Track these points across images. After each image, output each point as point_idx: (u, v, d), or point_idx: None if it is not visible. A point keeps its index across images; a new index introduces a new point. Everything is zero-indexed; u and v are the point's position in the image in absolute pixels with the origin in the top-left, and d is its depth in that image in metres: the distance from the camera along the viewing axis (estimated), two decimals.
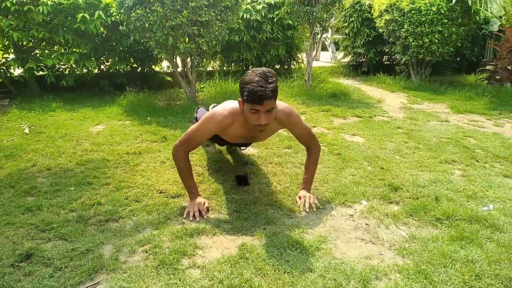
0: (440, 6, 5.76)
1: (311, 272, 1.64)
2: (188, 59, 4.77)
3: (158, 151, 3.09)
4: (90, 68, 5.29)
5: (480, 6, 5.69)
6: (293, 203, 2.29)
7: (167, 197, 2.32)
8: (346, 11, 7.29)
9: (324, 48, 9.21)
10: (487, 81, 6.18)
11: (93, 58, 5.14)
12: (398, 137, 3.60)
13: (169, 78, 6.21)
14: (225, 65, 6.50)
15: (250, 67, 6.60)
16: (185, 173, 2.21)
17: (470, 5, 5.82)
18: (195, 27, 4.26)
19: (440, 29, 5.87)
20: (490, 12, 5.65)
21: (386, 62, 7.83)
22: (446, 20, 5.84)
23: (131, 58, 5.67)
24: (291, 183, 2.56)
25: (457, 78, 7.21)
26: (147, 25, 4.14)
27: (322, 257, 1.76)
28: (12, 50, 5.06)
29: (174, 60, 4.78)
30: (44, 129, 3.59)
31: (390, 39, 6.52)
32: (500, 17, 6.23)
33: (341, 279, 1.59)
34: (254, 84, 1.84)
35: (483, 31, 8.04)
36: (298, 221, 2.10)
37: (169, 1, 4.02)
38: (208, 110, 3.19)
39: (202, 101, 4.84)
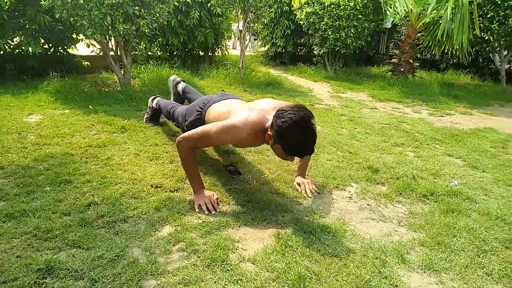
0: (356, 2, 6.28)
1: (354, 253, 1.72)
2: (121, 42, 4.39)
3: (124, 143, 2.82)
4: None
5: (390, 6, 6.38)
6: (293, 190, 2.34)
7: (166, 192, 2.16)
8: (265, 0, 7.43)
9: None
10: (391, 72, 6.98)
11: None
12: (347, 124, 3.88)
13: (86, 63, 5.61)
14: (150, 50, 6.11)
15: (174, 53, 6.34)
16: (191, 164, 2.08)
17: (380, 3, 6.49)
18: (137, 7, 3.94)
19: (356, 24, 6.43)
20: (395, 11, 6.36)
21: (301, 53, 8.24)
22: (360, 16, 6.41)
23: (41, 39, 4.96)
24: (280, 169, 2.60)
25: (363, 69, 7.96)
26: (81, 2, 3.68)
27: (352, 238, 1.86)
28: None
29: (107, 43, 4.34)
30: None
31: (310, 31, 6.88)
32: (401, 16, 7.05)
33: (383, 257, 1.71)
34: (299, 143, 1.84)
35: (379, 27, 9.00)
36: (308, 206, 2.16)
37: None
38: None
39: (138, 87, 4.50)
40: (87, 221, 1.80)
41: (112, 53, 4.54)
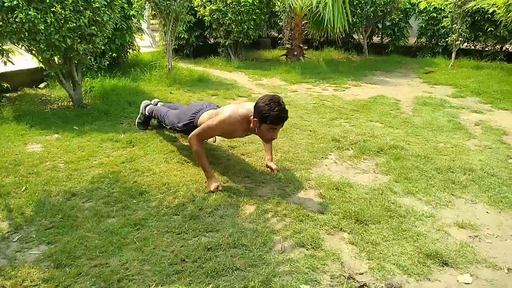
0: None
1: (369, 194, 2.76)
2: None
3: (146, 154, 3.31)
4: None
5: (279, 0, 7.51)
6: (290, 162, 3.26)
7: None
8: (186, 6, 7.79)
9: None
10: (285, 56, 8.21)
11: None
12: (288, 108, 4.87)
13: (6, 85, 5.33)
14: (100, 63, 6.03)
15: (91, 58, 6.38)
16: (202, 156, 2.81)
17: None
18: (93, 27, 4.18)
19: (255, 17, 7.40)
20: (288, 4, 7.49)
21: (201, 45, 8.85)
22: (258, 10, 7.39)
23: None
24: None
25: (259, 54, 9.03)
26: (42, 27, 3.79)
27: (359, 186, 2.90)
28: None
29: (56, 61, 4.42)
30: None
31: (213, 26, 7.60)
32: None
33: (385, 192, 2.79)
34: (276, 111, 2.54)
35: None
36: (320, 174, 3.12)
37: (69, 1, 3.82)
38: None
39: (89, 103, 4.71)
40: (203, 209, 2.44)
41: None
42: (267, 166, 3.14)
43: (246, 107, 2.84)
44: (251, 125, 2.71)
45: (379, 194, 2.77)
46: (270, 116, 2.57)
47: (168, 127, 3.44)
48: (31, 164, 3.03)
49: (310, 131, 4.06)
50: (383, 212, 2.53)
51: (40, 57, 4.21)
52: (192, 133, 2.83)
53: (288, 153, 3.47)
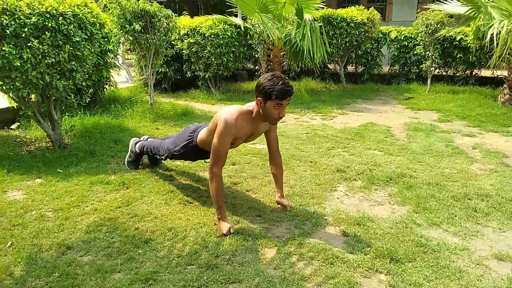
0: (232, 32, 7.18)
1: (394, 228, 2.58)
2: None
3: (142, 196, 3.01)
4: None
5: (257, 34, 7.50)
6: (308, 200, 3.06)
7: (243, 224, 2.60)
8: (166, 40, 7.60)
9: None
10: None
11: None
12: (281, 139, 4.72)
13: None
14: (81, 101, 5.66)
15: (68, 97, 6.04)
16: (221, 190, 2.57)
17: (247, 31, 7.55)
18: (73, 62, 3.90)
19: (234, 49, 7.33)
20: (266, 35, 7.49)
21: (179, 78, 8.66)
22: (236, 43, 7.33)
23: None
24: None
25: (239, 86, 8.92)
26: (17, 64, 3.48)
27: (380, 220, 2.71)
28: None
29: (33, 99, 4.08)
30: None
31: (192, 59, 7.46)
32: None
33: (409, 226, 2.62)
34: (280, 85, 2.34)
35: None
36: (333, 208, 2.92)
37: (47, 36, 3.55)
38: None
39: (70, 143, 4.36)
40: (219, 257, 2.16)
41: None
42: (278, 203, 2.92)
43: (235, 105, 2.65)
44: (256, 108, 2.50)
45: (404, 228, 2.60)
46: (275, 90, 2.35)
47: (164, 157, 3.20)
48: (15, 214, 2.66)
49: (311, 162, 3.89)
50: (415, 247, 2.34)
51: (15, 96, 3.87)
52: (209, 165, 2.56)
53: (294, 187, 3.27)
